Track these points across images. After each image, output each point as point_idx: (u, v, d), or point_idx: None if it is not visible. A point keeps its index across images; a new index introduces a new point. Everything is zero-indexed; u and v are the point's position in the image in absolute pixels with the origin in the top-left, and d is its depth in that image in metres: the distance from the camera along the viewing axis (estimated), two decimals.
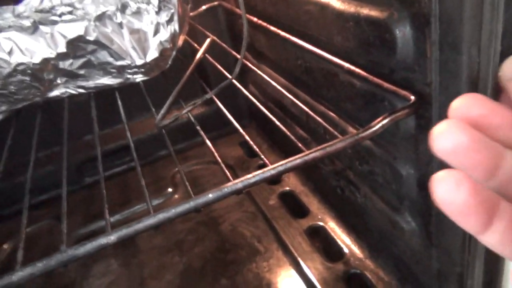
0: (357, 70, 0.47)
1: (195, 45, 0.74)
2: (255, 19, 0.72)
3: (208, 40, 0.72)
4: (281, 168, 0.36)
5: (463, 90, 0.36)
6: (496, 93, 0.35)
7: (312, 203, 0.76)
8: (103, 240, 0.35)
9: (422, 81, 0.40)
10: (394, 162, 0.49)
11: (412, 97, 0.41)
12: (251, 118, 1.05)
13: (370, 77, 0.46)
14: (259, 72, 0.60)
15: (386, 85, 0.44)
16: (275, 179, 0.83)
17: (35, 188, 0.72)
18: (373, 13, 0.43)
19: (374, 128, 0.38)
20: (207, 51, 0.69)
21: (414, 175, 0.46)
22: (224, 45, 0.69)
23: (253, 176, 0.36)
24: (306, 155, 0.36)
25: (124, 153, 1.00)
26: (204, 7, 0.89)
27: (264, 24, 0.69)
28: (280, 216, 0.75)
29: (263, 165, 0.41)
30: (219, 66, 0.62)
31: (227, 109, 0.54)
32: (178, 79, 0.65)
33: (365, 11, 0.44)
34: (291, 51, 0.65)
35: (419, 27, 0.38)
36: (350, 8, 0.46)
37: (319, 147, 0.37)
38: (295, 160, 0.36)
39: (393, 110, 0.41)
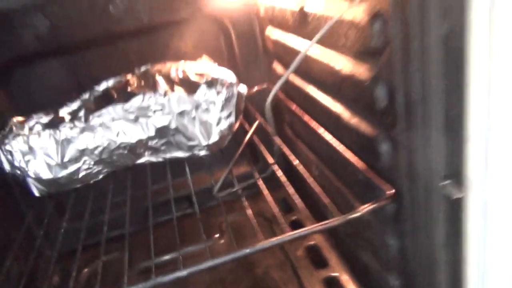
0: (359, 166, 0.66)
1: (246, 125, 0.96)
2: (293, 107, 0.93)
3: (256, 123, 0.93)
4: (295, 236, 0.55)
5: (420, 193, 0.54)
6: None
7: (332, 256, 0.93)
8: (178, 274, 0.55)
9: (398, 181, 0.58)
10: (384, 233, 0.66)
11: (393, 191, 0.59)
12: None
13: (367, 171, 0.64)
14: (287, 152, 0.80)
15: (377, 179, 0.62)
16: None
17: (115, 224, 0.94)
18: (367, 130, 0.62)
19: (360, 212, 0.56)
20: (255, 132, 0.90)
21: (397, 245, 0.63)
22: (269, 130, 0.90)
23: (276, 240, 0.55)
24: (312, 229, 0.55)
25: (180, 201, 1.22)
26: (255, 89, 1.11)
27: (300, 114, 0.89)
28: (304, 266, 0.92)
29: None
30: (264, 152, 0.83)
31: None
32: (232, 151, 0.86)
33: (363, 127, 0.63)
34: (318, 138, 0.85)
35: (394, 148, 0.57)
36: (354, 123, 0.65)
37: (321, 223, 0.55)
38: (304, 231, 0.55)
39: (377, 199, 0.59)
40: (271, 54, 1.05)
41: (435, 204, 0.53)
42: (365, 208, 0.57)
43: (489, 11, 0.43)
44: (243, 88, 0.86)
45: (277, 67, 1.04)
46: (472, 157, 0.51)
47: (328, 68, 0.69)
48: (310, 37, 0.75)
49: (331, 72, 0.68)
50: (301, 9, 0.74)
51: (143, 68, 0.87)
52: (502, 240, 0.54)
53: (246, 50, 1.12)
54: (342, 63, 0.64)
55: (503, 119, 0.47)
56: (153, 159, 0.84)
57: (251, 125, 0.95)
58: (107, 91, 0.82)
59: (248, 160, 0.90)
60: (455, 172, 0.51)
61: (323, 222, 0.55)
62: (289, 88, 0.94)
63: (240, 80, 1.04)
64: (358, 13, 0.55)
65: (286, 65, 0.97)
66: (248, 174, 1.19)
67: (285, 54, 0.92)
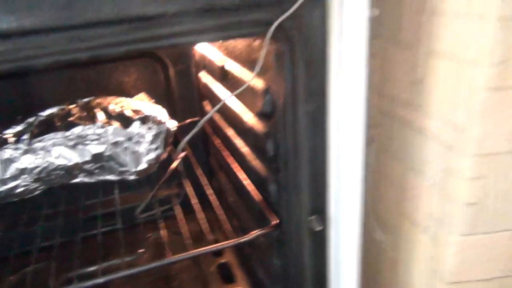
0: (257, 199, 0.82)
1: (174, 155, 1.10)
2: (216, 142, 1.09)
3: (182, 154, 1.07)
4: (196, 254, 0.69)
5: (294, 224, 0.71)
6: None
7: (239, 273, 1.08)
8: (96, 280, 0.67)
9: (281, 214, 0.75)
10: (271, 254, 0.82)
11: (277, 221, 0.75)
12: None
13: (262, 204, 0.80)
14: (203, 182, 0.95)
15: (268, 211, 0.78)
16: (218, 252, 1.16)
17: (46, 236, 1.03)
18: (262, 172, 0.78)
19: (249, 237, 0.72)
20: (180, 163, 1.05)
21: (279, 264, 0.80)
22: (192, 161, 1.05)
23: (178, 256, 0.69)
24: (210, 248, 0.70)
25: (110, 217, 1.32)
26: (188, 121, 1.26)
27: (221, 148, 1.05)
28: (214, 280, 1.06)
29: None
30: (184, 180, 0.97)
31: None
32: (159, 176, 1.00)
33: (260, 169, 0.80)
34: (232, 171, 1.01)
35: (278, 188, 0.74)
36: (255, 164, 0.82)
37: (219, 244, 0.70)
38: (204, 250, 0.69)
39: (265, 226, 0.75)
40: (202, 94, 1.21)
41: (304, 233, 0.71)
42: (254, 233, 0.73)
43: (339, 96, 0.62)
44: (172, 124, 1.00)
45: (207, 105, 1.19)
46: (331, 199, 0.69)
47: (239, 118, 0.85)
48: (229, 89, 0.91)
49: (241, 121, 0.85)
50: (223, 67, 0.90)
51: (85, 100, 0.99)
52: (350, 262, 0.72)
53: (182, 87, 1.27)
54: (248, 117, 0.81)
55: (347, 173, 0.66)
56: (87, 180, 0.95)
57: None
58: (51, 117, 0.93)
59: (172, 186, 1.04)
60: (319, 209, 0.69)
61: (217, 244, 0.70)
62: (214, 126, 1.10)
63: (175, 112, 1.18)
64: (258, 84, 0.72)
65: (213, 105, 1.13)
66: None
67: (212, 97, 1.08)
